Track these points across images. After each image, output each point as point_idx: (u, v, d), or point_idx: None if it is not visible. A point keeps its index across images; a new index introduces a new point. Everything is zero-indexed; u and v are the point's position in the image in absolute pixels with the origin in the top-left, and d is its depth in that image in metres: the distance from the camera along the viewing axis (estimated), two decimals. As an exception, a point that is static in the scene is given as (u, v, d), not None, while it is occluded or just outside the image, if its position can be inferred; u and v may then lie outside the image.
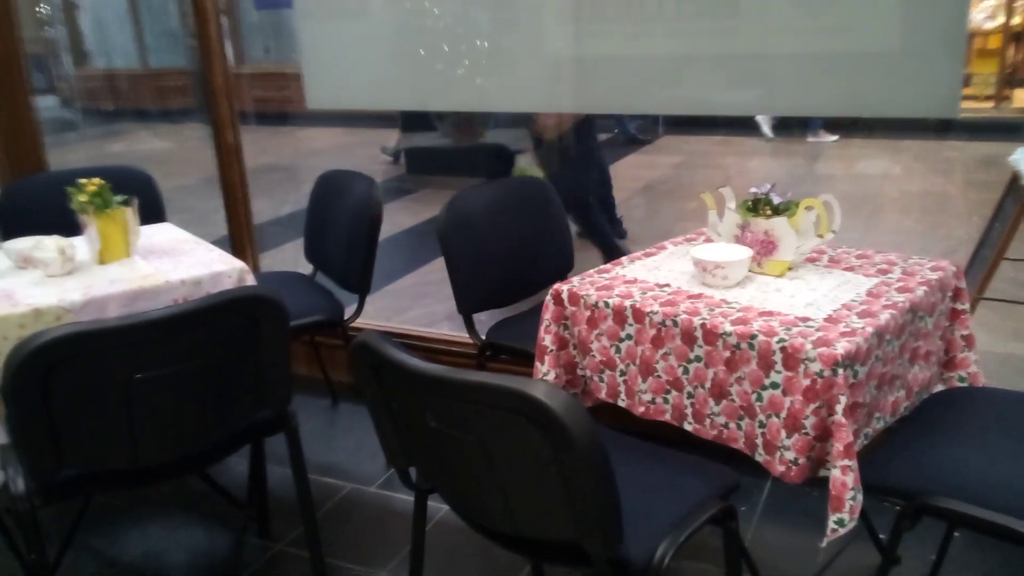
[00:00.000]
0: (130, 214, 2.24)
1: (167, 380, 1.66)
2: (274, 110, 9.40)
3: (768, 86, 2.37)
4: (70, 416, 1.60)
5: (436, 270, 4.88)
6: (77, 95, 10.57)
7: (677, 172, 7.45)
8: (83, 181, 2.18)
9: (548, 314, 1.95)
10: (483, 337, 2.37)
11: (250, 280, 2.20)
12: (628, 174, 7.40)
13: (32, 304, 1.94)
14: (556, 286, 1.94)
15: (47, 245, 2.14)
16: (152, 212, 2.80)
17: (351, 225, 2.58)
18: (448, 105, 2.88)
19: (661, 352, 1.76)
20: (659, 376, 1.78)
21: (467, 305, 2.34)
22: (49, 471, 1.64)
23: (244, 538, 2.39)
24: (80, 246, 2.23)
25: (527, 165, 3.65)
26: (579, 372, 1.98)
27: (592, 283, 1.93)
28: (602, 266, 2.04)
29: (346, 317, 2.65)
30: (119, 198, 2.22)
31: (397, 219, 5.80)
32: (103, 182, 2.19)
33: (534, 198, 2.56)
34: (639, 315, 1.78)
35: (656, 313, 1.75)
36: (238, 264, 2.20)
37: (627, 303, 1.80)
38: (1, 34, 2.86)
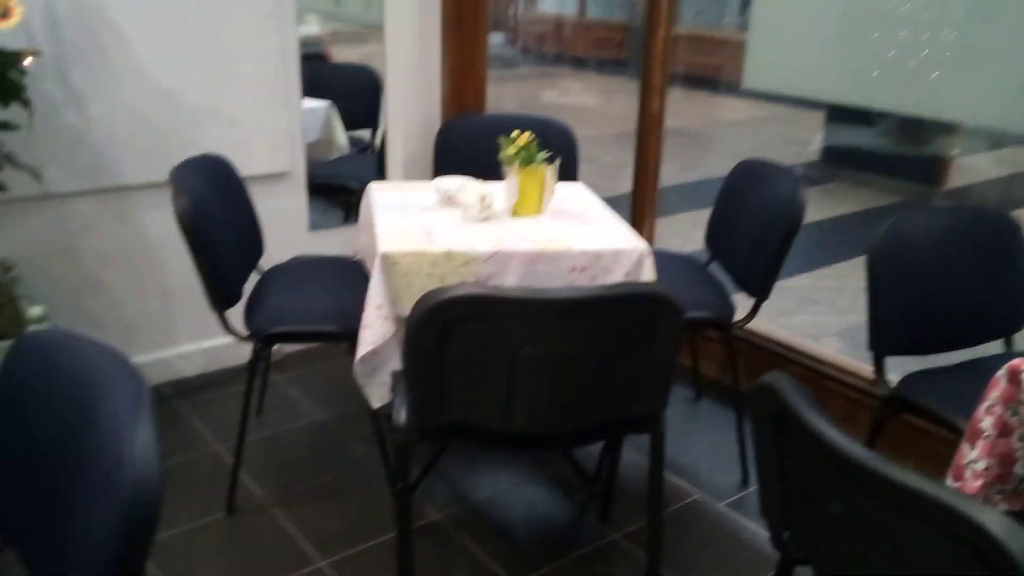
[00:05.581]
0: (550, 172, 2.25)
1: (550, 359, 1.61)
2: (696, 74, 9.27)
3: None
4: (458, 371, 1.63)
5: (833, 276, 4.44)
6: (520, 35, 11.45)
7: None
8: (516, 133, 2.21)
9: (996, 392, 1.57)
10: (890, 384, 2.02)
11: (648, 264, 2.09)
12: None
13: (446, 247, 2.03)
14: (1015, 362, 1.55)
15: (470, 190, 2.22)
16: (567, 168, 2.82)
17: (765, 222, 2.34)
18: (894, 105, 2.51)
19: None
20: None
21: (884, 345, 2.00)
22: (429, 415, 1.70)
23: (583, 515, 2.36)
24: (498, 194, 2.29)
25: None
26: (1017, 470, 1.58)
27: (1068, 368, 1.51)
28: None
29: (734, 319, 2.44)
30: (543, 154, 2.23)
31: (800, 210, 5.39)
32: (531, 137, 2.21)
33: (993, 235, 2.11)
34: None
35: None
36: (640, 245, 2.10)
37: (1119, 410, 1.37)
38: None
